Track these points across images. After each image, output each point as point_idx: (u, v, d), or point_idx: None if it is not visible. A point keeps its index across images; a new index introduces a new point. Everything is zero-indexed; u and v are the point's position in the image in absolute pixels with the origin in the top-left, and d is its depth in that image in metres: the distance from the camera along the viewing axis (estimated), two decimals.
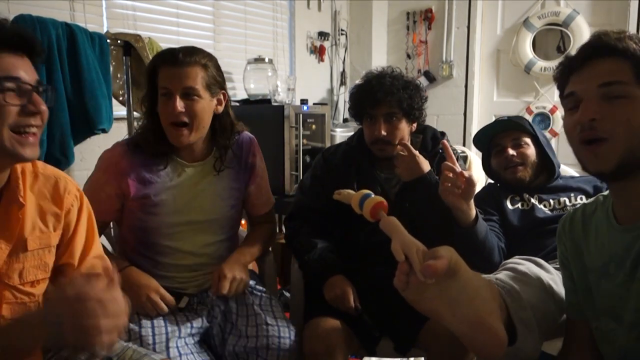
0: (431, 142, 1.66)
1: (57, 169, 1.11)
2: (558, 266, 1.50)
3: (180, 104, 1.33)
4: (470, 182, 1.36)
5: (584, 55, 0.92)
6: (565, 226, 1.10)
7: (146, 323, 1.32)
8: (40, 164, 1.08)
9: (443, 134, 1.69)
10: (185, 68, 1.35)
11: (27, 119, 0.92)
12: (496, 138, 1.77)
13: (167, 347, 1.28)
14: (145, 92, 1.43)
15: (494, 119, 3.43)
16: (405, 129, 1.58)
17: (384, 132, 1.54)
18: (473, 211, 1.43)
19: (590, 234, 1.04)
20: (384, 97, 1.52)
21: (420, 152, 1.53)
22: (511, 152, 1.71)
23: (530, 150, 1.72)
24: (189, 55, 1.36)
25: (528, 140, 1.73)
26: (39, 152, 0.97)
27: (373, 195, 0.86)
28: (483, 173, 2.66)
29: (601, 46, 0.90)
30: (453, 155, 1.41)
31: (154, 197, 1.40)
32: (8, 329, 0.94)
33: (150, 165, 1.41)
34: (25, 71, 0.92)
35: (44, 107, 0.94)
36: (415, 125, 1.63)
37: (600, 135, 0.88)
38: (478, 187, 1.79)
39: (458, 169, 1.37)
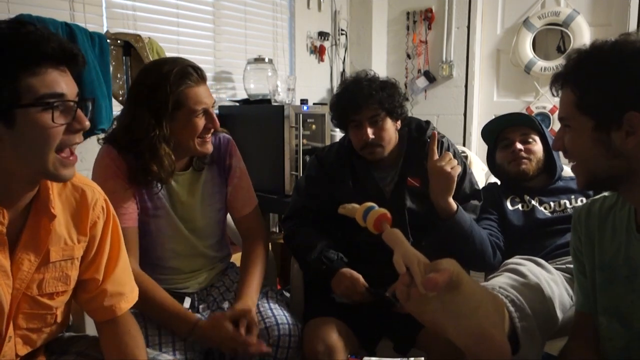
0: (416, 132, 1.67)
1: (84, 176, 1.06)
2: (558, 266, 1.50)
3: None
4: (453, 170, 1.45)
5: (553, 90, 1.00)
6: (582, 217, 1.10)
7: (151, 324, 1.33)
8: None
9: (428, 123, 1.71)
10: (206, 83, 1.38)
11: (72, 138, 0.88)
12: (505, 132, 1.77)
13: (174, 350, 1.28)
14: (150, 120, 1.30)
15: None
16: (391, 128, 1.60)
17: (372, 136, 1.55)
18: (453, 203, 1.49)
19: (607, 230, 1.04)
20: (364, 101, 1.53)
21: (408, 143, 1.63)
22: (519, 146, 1.71)
23: (538, 147, 1.73)
24: (201, 69, 1.37)
25: (536, 137, 1.73)
26: (75, 172, 0.94)
27: (376, 208, 0.86)
28: (482, 174, 2.67)
29: (557, 79, 0.98)
30: (434, 149, 1.49)
31: (157, 199, 1.40)
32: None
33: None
34: (67, 85, 0.86)
35: (87, 123, 0.89)
36: (399, 122, 1.64)
37: (572, 160, 0.98)
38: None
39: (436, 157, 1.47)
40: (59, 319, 1.05)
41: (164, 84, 1.29)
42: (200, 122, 1.35)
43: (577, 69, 0.92)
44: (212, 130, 1.40)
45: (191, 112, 1.33)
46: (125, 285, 1.11)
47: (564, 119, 0.96)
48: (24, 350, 1.00)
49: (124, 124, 1.36)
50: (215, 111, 1.41)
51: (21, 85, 0.81)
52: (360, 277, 1.48)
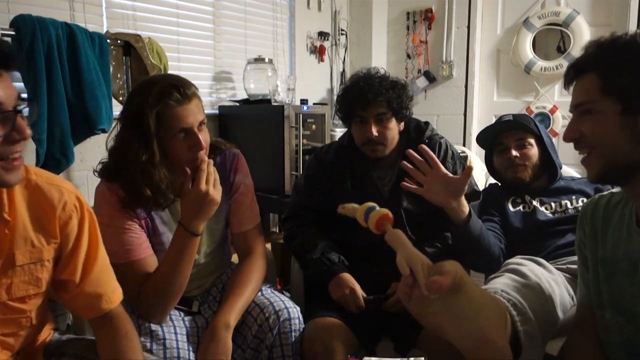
0: (414, 132, 1.67)
1: (53, 175, 1.02)
2: (559, 266, 1.50)
3: (203, 137, 1.30)
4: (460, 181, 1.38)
5: (567, 79, 0.99)
6: (588, 211, 1.10)
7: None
8: (34, 170, 0.98)
9: (427, 123, 1.70)
10: (193, 100, 1.29)
11: (12, 148, 0.82)
12: (500, 137, 1.76)
13: (178, 348, 1.28)
14: (138, 143, 1.25)
15: (494, 119, 3.43)
16: (395, 129, 1.60)
17: (375, 133, 1.55)
18: (465, 208, 1.43)
19: (610, 225, 1.04)
20: (373, 98, 1.53)
21: (406, 144, 1.57)
22: (514, 152, 1.70)
23: (534, 151, 1.71)
24: (188, 88, 1.29)
25: (532, 140, 1.72)
26: (22, 174, 0.90)
27: (378, 208, 0.86)
28: (482, 174, 2.67)
29: (575, 67, 0.97)
30: (434, 156, 1.40)
31: (159, 235, 1.37)
32: None
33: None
34: (4, 92, 0.79)
35: (28, 132, 0.83)
36: (403, 124, 1.63)
37: (586, 150, 0.96)
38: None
39: (442, 170, 1.38)
40: (34, 321, 1.03)
41: (144, 105, 1.24)
42: (179, 144, 1.28)
43: (604, 53, 0.92)
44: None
45: (168, 132, 1.27)
46: (104, 285, 1.08)
47: (585, 103, 0.94)
48: (2, 356, 0.99)
49: (114, 145, 1.30)
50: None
51: None
52: (358, 288, 1.47)
